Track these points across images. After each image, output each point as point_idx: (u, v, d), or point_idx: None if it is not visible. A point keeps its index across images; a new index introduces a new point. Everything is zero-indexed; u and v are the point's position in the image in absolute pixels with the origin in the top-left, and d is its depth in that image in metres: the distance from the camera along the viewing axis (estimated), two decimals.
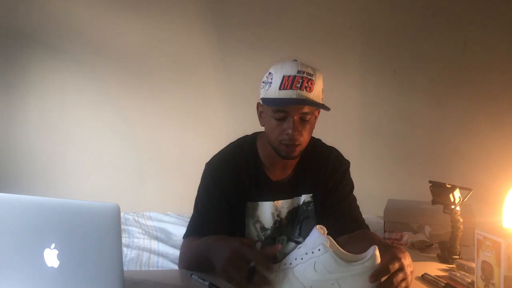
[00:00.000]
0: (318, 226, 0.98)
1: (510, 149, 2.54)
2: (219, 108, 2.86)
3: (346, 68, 2.82)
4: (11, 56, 2.71)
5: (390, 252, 0.98)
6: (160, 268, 1.88)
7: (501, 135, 2.64)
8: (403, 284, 0.96)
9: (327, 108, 1.23)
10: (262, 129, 1.38)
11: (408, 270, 0.97)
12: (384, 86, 2.84)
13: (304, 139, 1.26)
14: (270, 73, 1.26)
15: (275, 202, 1.35)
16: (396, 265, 0.95)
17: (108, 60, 2.77)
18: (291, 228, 1.37)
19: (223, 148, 1.40)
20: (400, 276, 0.95)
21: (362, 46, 2.82)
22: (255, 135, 1.41)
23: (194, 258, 1.22)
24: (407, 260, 0.98)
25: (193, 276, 1.14)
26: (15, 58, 2.71)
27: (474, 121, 2.75)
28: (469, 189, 1.36)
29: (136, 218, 2.52)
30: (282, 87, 1.21)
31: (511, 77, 2.72)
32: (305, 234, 1.34)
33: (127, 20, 2.75)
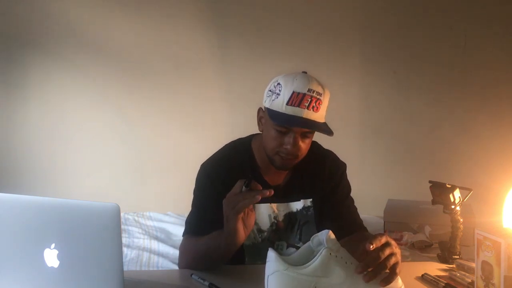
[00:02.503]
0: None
1: (510, 149, 2.54)
2: (219, 108, 2.85)
3: (346, 68, 2.81)
4: (11, 56, 2.71)
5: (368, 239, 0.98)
6: (160, 268, 1.88)
7: (501, 135, 2.64)
8: (393, 259, 0.96)
9: (330, 133, 1.21)
10: (258, 131, 1.37)
11: (392, 246, 0.98)
12: (384, 86, 2.84)
13: (301, 153, 1.26)
14: (279, 83, 1.23)
15: (272, 204, 1.34)
16: (374, 244, 0.95)
17: (108, 60, 2.77)
18: (290, 232, 1.37)
19: (218, 150, 1.40)
20: (387, 250, 0.96)
21: (362, 46, 2.82)
22: (250, 137, 1.40)
23: (201, 254, 1.21)
24: (385, 238, 0.98)
25: (193, 276, 1.14)
26: (15, 58, 2.71)
27: (474, 121, 2.75)
28: (469, 189, 1.36)
29: (136, 218, 2.53)
30: (290, 103, 1.18)
31: (511, 77, 2.72)
32: (305, 239, 1.34)
33: (127, 21, 2.75)
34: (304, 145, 1.24)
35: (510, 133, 2.61)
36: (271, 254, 0.95)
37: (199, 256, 1.22)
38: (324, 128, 1.22)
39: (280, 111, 1.20)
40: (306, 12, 2.78)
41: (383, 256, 0.95)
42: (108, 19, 2.73)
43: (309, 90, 1.18)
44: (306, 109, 1.18)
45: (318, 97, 1.20)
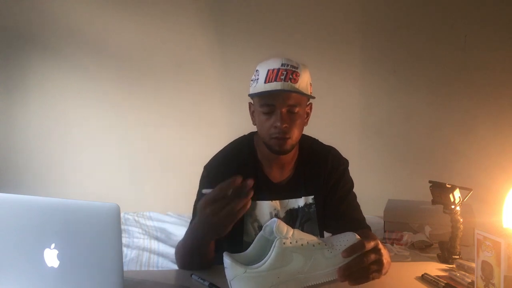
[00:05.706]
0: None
1: (510, 149, 2.54)
2: (219, 108, 2.86)
3: (347, 68, 2.82)
4: (11, 56, 2.71)
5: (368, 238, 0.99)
6: (160, 268, 1.88)
7: (501, 135, 2.64)
8: (374, 267, 0.95)
9: (311, 97, 1.26)
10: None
11: (383, 254, 0.97)
12: (384, 86, 2.85)
13: (294, 133, 1.26)
14: (257, 70, 1.29)
15: (273, 202, 1.35)
16: (372, 244, 0.95)
17: (108, 60, 2.77)
18: None
19: (221, 150, 1.40)
20: (372, 256, 0.95)
21: (362, 46, 2.82)
22: (252, 134, 1.41)
23: (188, 254, 1.21)
24: (383, 249, 0.98)
25: (193, 276, 1.14)
26: (15, 58, 2.71)
27: (474, 121, 2.75)
28: (469, 189, 1.35)
29: (136, 218, 2.53)
30: (267, 80, 1.23)
31: (511, 77, 2.72)
32: None
33: (127, 20, 2.75)
34: (293, 125, 1.25)
35: (510, 133, 2.62)
36: (226, 261, 0.95)
37: (188, 258, 1.21)
38: (304, 93, 1.24)
39: (261, 90, 1.24)
40: (306, 12, 2.78)
41: (366, 262, 0.94)
42: (108, 19, 2.73)
43: (282, 65, 1.24)
44: (283, 82, 1.22)
45: (293, 69, 1.23)
